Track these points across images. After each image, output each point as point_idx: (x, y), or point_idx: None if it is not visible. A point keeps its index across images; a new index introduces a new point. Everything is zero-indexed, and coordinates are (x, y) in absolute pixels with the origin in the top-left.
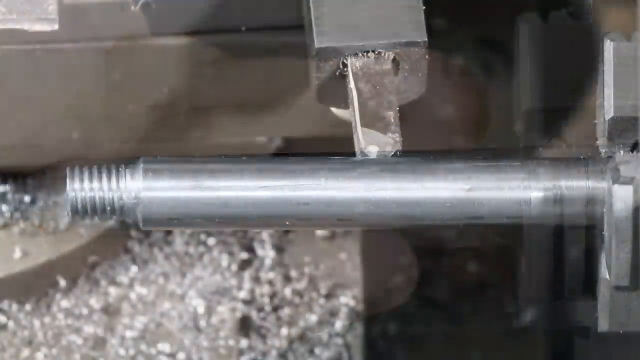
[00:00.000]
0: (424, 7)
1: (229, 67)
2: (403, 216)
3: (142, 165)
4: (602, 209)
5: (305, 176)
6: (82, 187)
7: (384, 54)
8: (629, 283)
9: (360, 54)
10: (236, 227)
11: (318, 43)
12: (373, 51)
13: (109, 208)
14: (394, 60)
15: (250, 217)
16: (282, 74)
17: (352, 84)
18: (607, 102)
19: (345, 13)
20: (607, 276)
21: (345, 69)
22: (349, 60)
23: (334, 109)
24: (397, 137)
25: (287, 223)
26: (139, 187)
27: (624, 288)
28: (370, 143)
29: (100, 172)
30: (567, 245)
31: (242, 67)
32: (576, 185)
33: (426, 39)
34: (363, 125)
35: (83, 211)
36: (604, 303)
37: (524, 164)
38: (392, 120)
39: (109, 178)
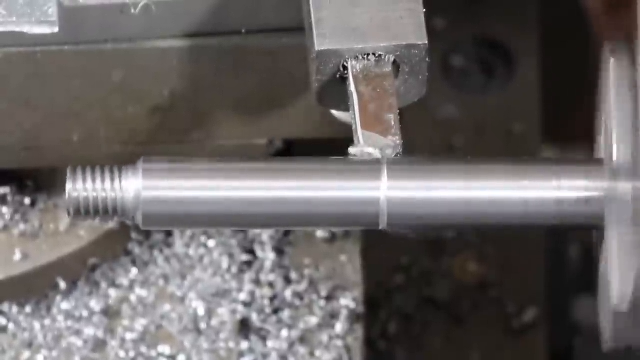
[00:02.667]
0: (424, 10)
1: (229, 69)
2: (402, 217)
3: (142, 165)
4: (602, 209)
5: (306, 176)
6: (83, 188)
7: (385, 57)
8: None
9: (361, 57)
10: (236, 227)
11: (319, 46)
12: (374, 54)
13: (109, 208)
14: (394, 63)
15: (250, 217)
16: (282, 76)
17: (352, 87)
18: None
19: (345, 16)
20: (610, 292)
21: (346, 72)
22: (349, 63)
23: (334, 112)
24: (397, 139)
25: (287, 223)
26: (139, 187)
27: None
28: (371, 146)
29: (101, 173)
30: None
31: (242, 69)
32: (576, 185)
33: (427, 42)
34: (363, 128)
35: (84, 211)
36: (607, 320)
37: (524, 164)
38: (393, 123)
39: (110, 179)
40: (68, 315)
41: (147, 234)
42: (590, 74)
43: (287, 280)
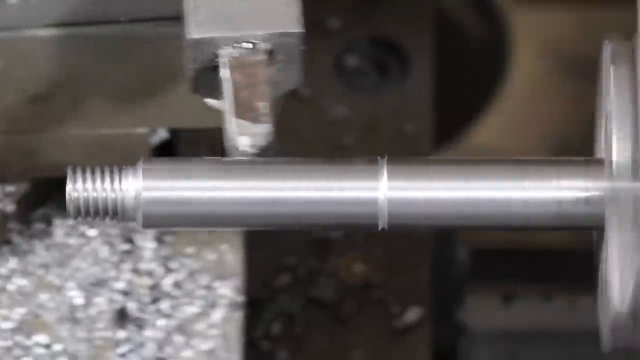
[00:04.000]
0: None
1: (110, 58)
2: (402, 217)
3: (142, 165)
4: (602, 209)
5: (306, 176)
6: (83, 188)
7: (259, 45)
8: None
9: (235, 45)
10: (235, 227)
11: (193, 33)
12: (248, 42)
13: (109, 209)
14: (269, 51)
15: (249, 218)
16: (163, 65)
17: (225, 75)
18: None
19: (220, 4)
20: (609, 293)
21: (220, 60)
22: (223, 51)
23: (208, 100)
24: (269, 128)
25: (288, 223)
26: (139, 188)
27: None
28: (242, 134)
29: (100, 173)
30: None
31: (122, 58)
32: (576, 185)
33: (302, 30)
34: (235, 116)
35: (84, 212)
36: (606, 321)
37: (524, 163)
38: (265, 111)
39: (110, 179)
40: None
41: (28, 224)
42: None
43: (167, 270)
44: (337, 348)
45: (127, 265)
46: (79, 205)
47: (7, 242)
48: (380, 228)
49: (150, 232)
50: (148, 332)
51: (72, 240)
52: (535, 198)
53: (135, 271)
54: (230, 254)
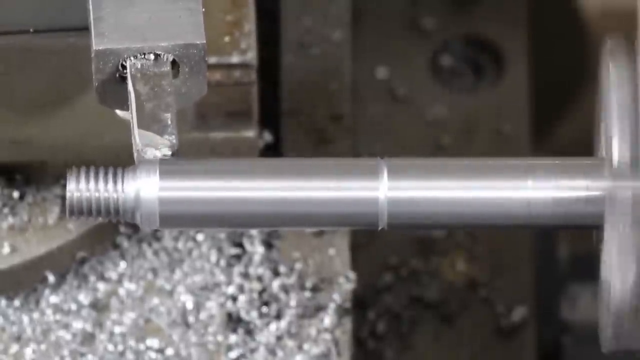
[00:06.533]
0: (203, 9)
1: (17, 68)
2: (402, 216)
3: (159, 166)
4: (602, 208)
5: (314, 176)
6: (86, 188)
7: (163, 56)
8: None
9: (140, 56)
10: (252, 227)
11: (96, 45)
12: (152, 53)
13: (111, 209)
14: (173, 62)
15: (256, 217)
16: (71, 75)
17: (130, 86)
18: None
19: (124, 15)
20: (609, 292)
21: (125, 71)
22: (127, 62)
23: (117, 111)
24: (173, 139)
25: (289, 222)
26: (156, 188)
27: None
28: (147, 145)
29: (104, 174)
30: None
31: (30, 68)
32: (576, 185)
33: (205, 41)
34: (140, 127)
35: (87, 211)
36: (607, 321)
37: (524, 163)
38: (169, 122)
39: (113, 180)
40: (57, 308)
41: (136, 228)
42: (579, 75)
43: (276, 274)
44: (443, 348)
45: (236, 270)
46: (81, 205)
47: (116, 246)
48: (380, 228)
49: (258, 237)
50: (259, 337)
51: (181, 245)
52: (536, 197)
53: (245, 275)
54: (338, 258)
